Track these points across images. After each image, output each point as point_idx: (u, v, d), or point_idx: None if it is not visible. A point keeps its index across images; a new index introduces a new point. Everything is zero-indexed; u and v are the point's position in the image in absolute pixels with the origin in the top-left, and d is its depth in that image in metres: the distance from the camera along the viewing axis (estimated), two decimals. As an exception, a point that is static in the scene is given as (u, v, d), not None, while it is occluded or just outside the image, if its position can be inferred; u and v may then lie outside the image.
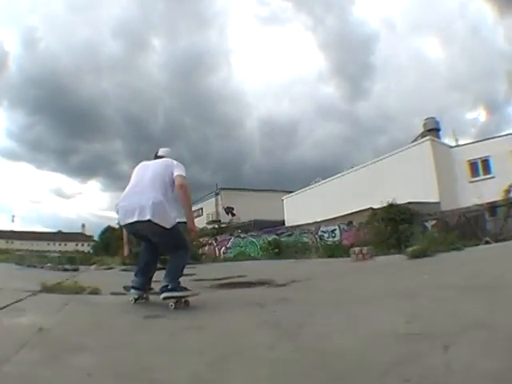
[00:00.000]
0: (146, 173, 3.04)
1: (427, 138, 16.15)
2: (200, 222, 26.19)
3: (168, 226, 2.83)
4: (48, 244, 62.92)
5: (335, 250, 13.09)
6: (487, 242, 9.04)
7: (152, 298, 3.12)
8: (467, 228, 11.93)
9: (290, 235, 16.14)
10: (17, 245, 52.41)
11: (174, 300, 2.82)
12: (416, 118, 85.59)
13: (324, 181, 20.37)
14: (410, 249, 6.73)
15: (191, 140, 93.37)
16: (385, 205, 12.96)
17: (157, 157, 3.29)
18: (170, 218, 2.87)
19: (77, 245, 63.15)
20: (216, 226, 22.93)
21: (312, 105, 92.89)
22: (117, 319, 2.55)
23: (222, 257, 17.96)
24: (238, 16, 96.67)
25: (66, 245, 63.12)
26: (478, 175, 16.14)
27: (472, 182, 16.35)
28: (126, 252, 3.74)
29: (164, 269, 3.01)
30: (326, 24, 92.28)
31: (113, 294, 3.75)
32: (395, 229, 12.48)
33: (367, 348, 1.59)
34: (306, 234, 15.43)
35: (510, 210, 11.36)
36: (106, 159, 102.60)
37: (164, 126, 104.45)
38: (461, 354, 1.38)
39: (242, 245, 18.37)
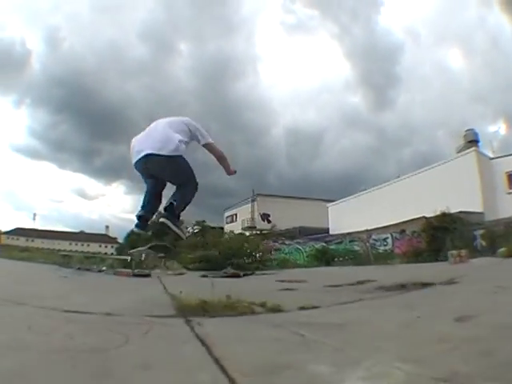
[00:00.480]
0: (159, 122, 3.15)
1: (472, 149, 16.79)
2: (234, 228, 26.71)
3: (174, 153, 2.86)
4: (70, 244, 61.58)
5: (388, 258, 13.72)
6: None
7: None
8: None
9: (339, 243, 16.60)
10: (38, 243, 52.26)
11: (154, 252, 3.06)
12: (439, 130, 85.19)
13: (371, 189, 21.06)
14: (501, 249, 7.65)
15: (217, 145, 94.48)
16: (438, 213, 13.56)
17: None
18: (175, 144, 2.88)
19: (100, 246, 62.91)
20: (256, 231, 23.51)
21: (338, 114, 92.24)
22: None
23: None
24: (264, 22, 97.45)
25: (88, 245, 62.76)
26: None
27: (510, 193, 16.86)
28: None
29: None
30: (352, 33, 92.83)
31: (302, 308, 2.91)
32: (450, 237, 13.09)
33: None
34: (356, 242, 15.98)
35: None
36: (131, 162, 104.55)
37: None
38: None
39: (286, 251, 18.66)
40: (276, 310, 2.83)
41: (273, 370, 1.33)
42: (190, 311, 2.62)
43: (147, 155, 2.90)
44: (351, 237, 16.31)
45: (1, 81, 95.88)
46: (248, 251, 12.11)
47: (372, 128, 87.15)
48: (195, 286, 5.38)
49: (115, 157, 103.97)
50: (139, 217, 3.10)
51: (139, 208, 3.15)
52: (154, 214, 3.21)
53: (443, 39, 78.00)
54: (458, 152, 18.11)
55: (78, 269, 9.88)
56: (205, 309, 2.65)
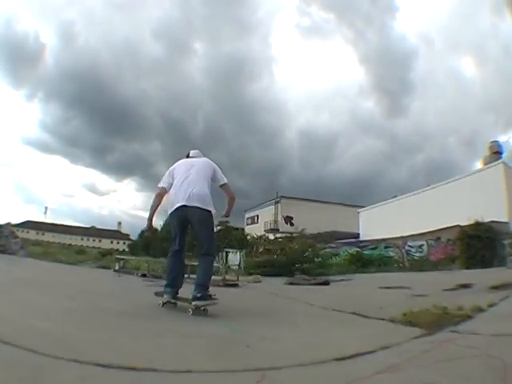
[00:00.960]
0: (192, 168, 3.41)
1: (500, 161, 17.74)
2: (256, 230, 26.71)
3: (212, 210, 3.26)
4: (82, 239, 62.95)
5: (424, 265, 14.54)
6: None
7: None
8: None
9: (373, 248, 17.20)
10: (48, 237, 53.08)
11: (192, 307, 3.03)
12: (451, 137, 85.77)
13: (401, 196, 21.94)
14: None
15: (230, 146, 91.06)
16: (472, 222, 14.44)
17: (188, 157, 3.67)
18: (212, 206, 3.31)
19: (112, 242, 62.92)
20: (286, 234, 23.82)
21: (351, 118, 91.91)
22: None
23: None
24: (280, 25, 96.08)
25: (100, 241, 63.01)
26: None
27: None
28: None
29: None
30: (367, 38, 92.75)
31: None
32: (484, 245, 13.98)
33: None
34: (391, 248, 16.67)
35: None
36: (143, 159, 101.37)
37: (203, 130, 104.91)
38: None
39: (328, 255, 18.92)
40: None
41: None
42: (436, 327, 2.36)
43: (189, 206, 3.20)
44: (386, 243, 17.04)
45: (14, 74, 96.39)
46: (311, 256, 12.79)
47: (385, 134, 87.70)
48: (315, 295, 5.45)
49: (128, 154, 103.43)
50: (169, 292, 3.33)
51: (166, 281, 3.42)
52: (181, 283, 3.47)
53: (456, 46, 78.46)
54: (485, 163, 19.05)
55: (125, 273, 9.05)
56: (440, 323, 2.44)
